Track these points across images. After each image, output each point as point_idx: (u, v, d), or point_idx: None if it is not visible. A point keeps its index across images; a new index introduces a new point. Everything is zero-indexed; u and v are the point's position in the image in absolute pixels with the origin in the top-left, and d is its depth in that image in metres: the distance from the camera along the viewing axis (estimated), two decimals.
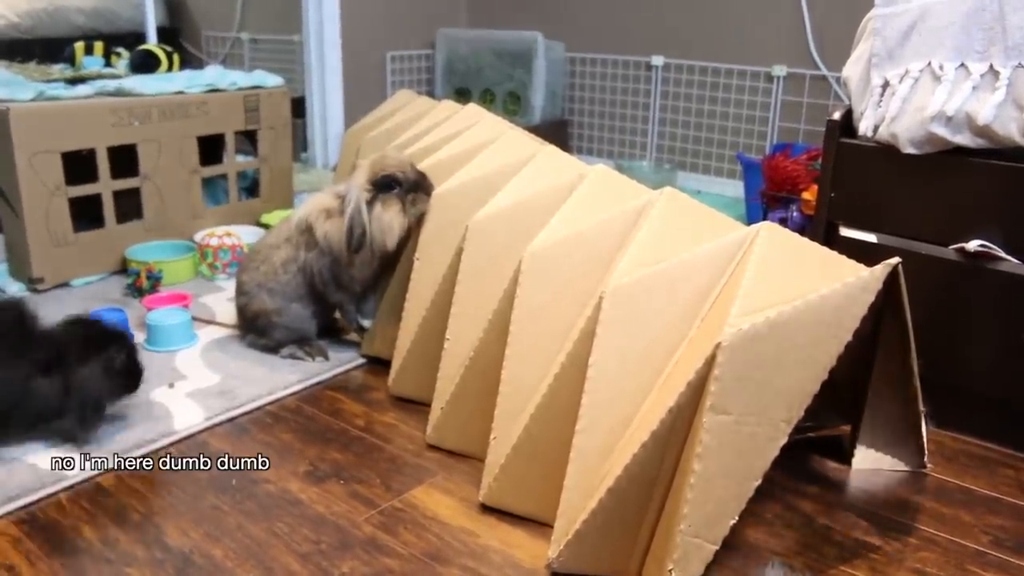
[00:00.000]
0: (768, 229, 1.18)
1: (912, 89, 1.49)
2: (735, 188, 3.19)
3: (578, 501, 1.13)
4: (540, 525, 1.25)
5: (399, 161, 1.61)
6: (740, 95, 3.14)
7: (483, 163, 1.57)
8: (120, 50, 3.26)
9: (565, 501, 1.14)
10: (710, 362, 1.01)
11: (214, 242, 2.27)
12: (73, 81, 2.43)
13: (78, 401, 1.40)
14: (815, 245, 1.22)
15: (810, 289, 1.05)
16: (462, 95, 3.73)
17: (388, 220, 1.59)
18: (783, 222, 2.18)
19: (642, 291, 1.15)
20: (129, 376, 1.48)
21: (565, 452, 1.16)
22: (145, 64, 2.85)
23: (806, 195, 2.16)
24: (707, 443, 1.01)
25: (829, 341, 1.04)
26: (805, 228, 2.12)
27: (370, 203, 1.60)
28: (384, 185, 1.59)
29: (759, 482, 1.04)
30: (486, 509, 1.29)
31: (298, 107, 3.50)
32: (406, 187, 1.58)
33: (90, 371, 1.40)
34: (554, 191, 1.39)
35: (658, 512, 1.10)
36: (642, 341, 1.14)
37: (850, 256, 1.20)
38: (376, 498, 1.31)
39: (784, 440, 1.03)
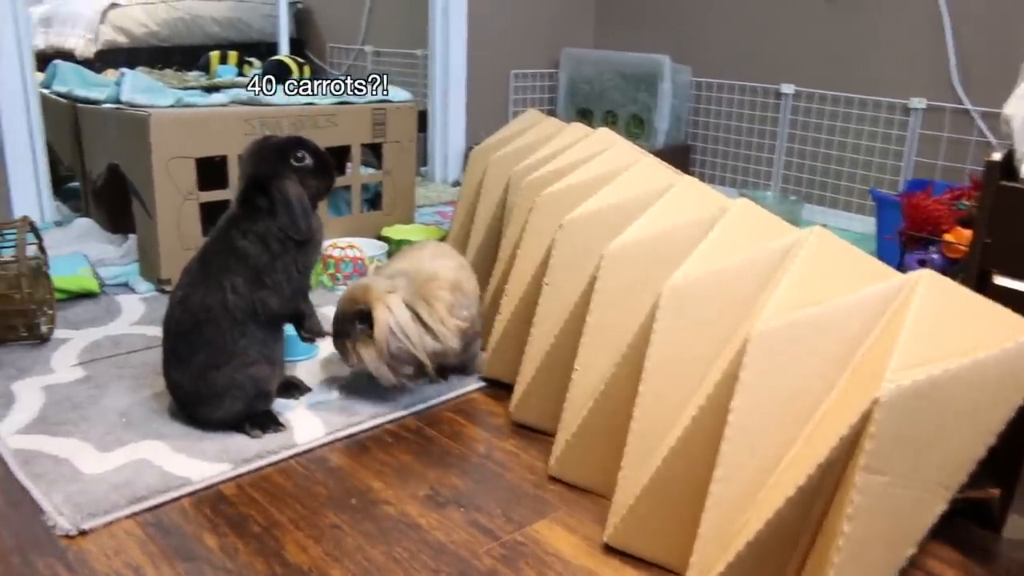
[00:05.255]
0: (929, 277, 1.11)
1: None
2: (863, 224, 3.07)
3: (713, 552, 1.08)
4: (667, 572, 1.20)
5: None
6: (874, 127, 3.03)
7: (617, 190, 1.54)
8: (253, 60, 3.35)
9: (698, 551, 1.09)
10: (866, 418, 0.95)
11: (336, 253, 2.29)
12: (209, 89, 2.50)
13: (282, 206, 1.45)
14: (979, 296, 1.15)
15: (976, 345, 0.99)
16: (584, 116, 3.71)
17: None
18: (922, 263, 2.08)
19: (789, 337, 1.09)
20: (320, 170, 1.53)
21: (699, 498, 1.12)
22: (277, 74, 2.92)
23: (948, 237, 2.06)
24: (859, 504, 0.95)
25: (998, 405, 0.97)
26: (946, 271, 2.01)
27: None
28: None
29: (914, 550, 0.97)
30: (610, 550, 1.24)
31: (419, 121, 3.54)
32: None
33: (287, 180, 1.47)
34: (694, 224, 1.34)
35: (798, 571, 1.04)
36: (787, 389, 1.09)
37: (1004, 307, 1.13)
38: (497, 529, 1.29)
39: (943, 507, 0.97)
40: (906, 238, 2.17)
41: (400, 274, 1.61)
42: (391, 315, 1.53)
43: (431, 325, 1.56)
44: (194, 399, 1.49)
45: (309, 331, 1.55)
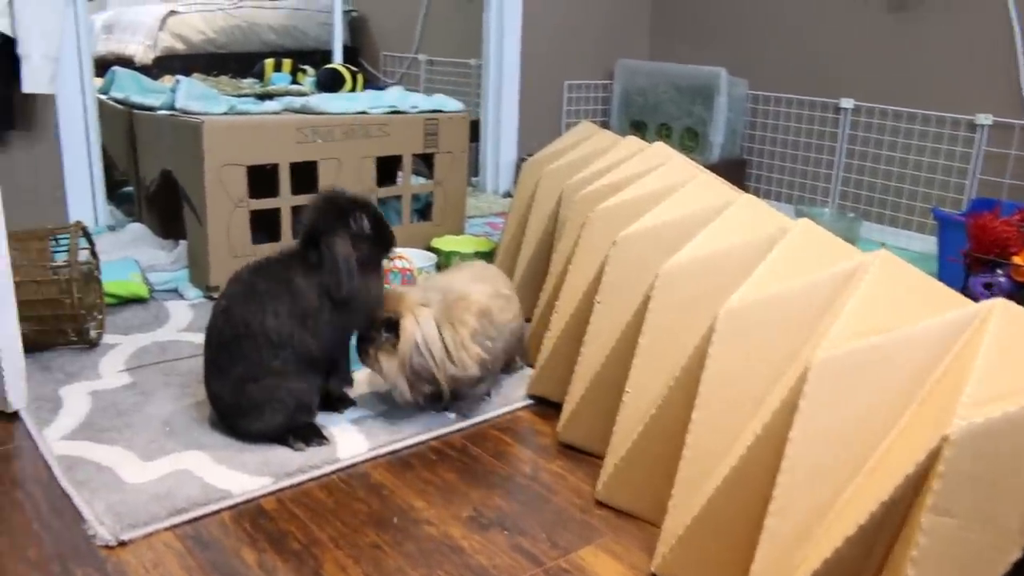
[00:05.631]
0: (1003, 307, 1.06)
1: None
2: (923, 243, 2.99)
3: None
4: None
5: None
6: (937, 144, 2.95)
7: (673, 207, 1.49)
8: (307, 68, 3.35)
9: None
10: (934, 456, 0.90)
11: (385, 263, 2.27)
12: (263, 97, 2.50)
13: (328, 262, 1.45)
14: None
15: None
16: (638, 128, 3.67)
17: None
18: (988, 287, 2.01)
19: (853, 366, 1.04)
20: (376, 238, 1.52)
21: (752, 531, 1.07)
22: (330, 82, 2.92)
23: (1017, 260, 1.98)
24: (924, 547, 0.90)
25: None
26: (1013, 295, 1.94)
27: None
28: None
29: None
30: None
31: (471, 131, 3.53)
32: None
33: (338, 237, 1.46)
34: (753, 244, 1.30)
35: None
36: (849, 420, 1.04)
37: None
38: (541, 555, 1.25)
39: (1018, 555, 0.91)
40: (971, 260, 2.10)
41: (434, 290, 1.58)
42: (419, 329, 1.50)
43: (450, 349, 1.52)
44: (234, 411, 1.48)
45: (336, 384, 1.57)
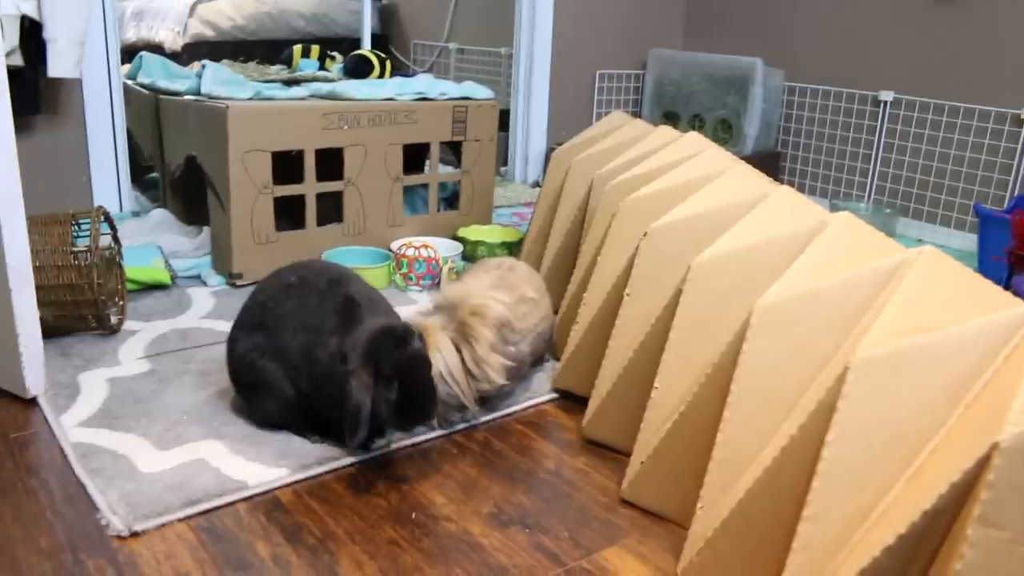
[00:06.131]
0: None
1: None
2: (963, 240, 2.91)
3: None
4: None
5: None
6: (980, 138, 2.86)
7: (706, 198, 1.44)
8: (335, 54, 3.33)
9: None
10: (983, 464, 0.85)
11: (411, 253, 2.24)
12: (289, 83, 2.47)
13: (346, 410, 1.29)
14: None
15: None
16: (670, 119, 3.61)
17: None
18: None
19: (895, 366, 0.99)
20: (403, 404, 1.32)
21: (784, 537, 1.03)
22: (358, 68, 2.89)
23: None
24: (970, 560, 0.85)
25: None
26: None
27: None
28: None
29: None
30: None
31: (501, 120, 3.49)
32: None
33: (358, 380, 1.29)
34: (791, 238, 1.24)
35: None
36: (891, 423, 0.98)
37: None
38: (563, 554, 1.21)
39: None
40: (1015, 258, 2.03)
41: (450, 302, 1.52)
42: (441, 359, 1.45)
43: (470, 367, 1.48)
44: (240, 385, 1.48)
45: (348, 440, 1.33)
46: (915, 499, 0.90)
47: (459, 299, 1.52)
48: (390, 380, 1.29)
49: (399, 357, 1.30)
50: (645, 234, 1.41)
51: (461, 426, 1.54)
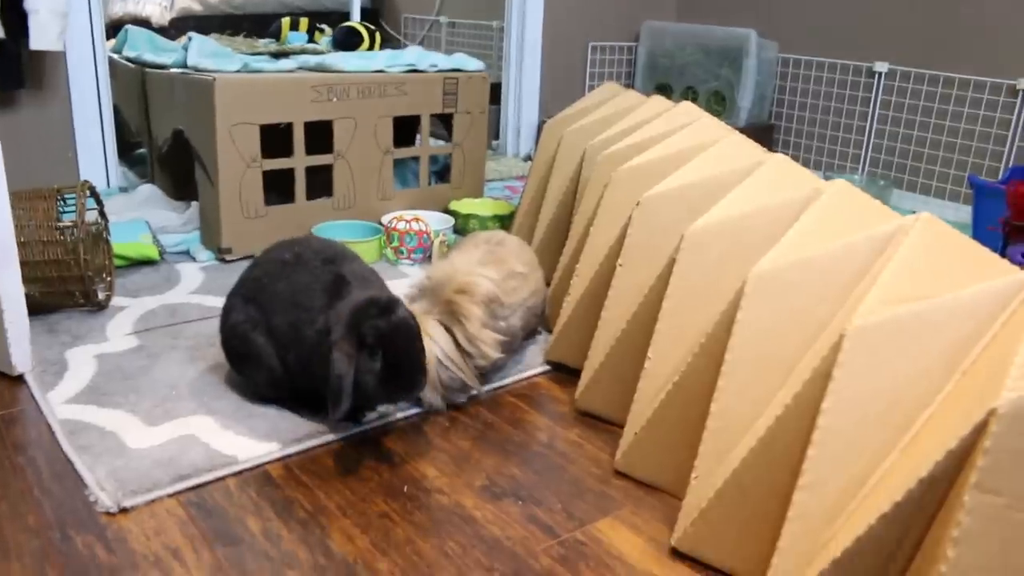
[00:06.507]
0: None
1: None
2: (957, 212, 2.90)
3: (793, 567, 0.97)
4: None
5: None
6: (975, 109, 2.84)
7: (699, 167, 1.43)
8: (324, 27, 3.29)
9: (777, 565, 0.99)
10: (980, 430, 0.84)
11: (401, 226, 2.22)
12: (277, 55, 2.44)
13: (329, 382, 1.25)
14: None
15: None
16: (663, 91, 3.58)
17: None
18: None
19: (891, 333, 0.98)
20: (388, 374, 1.28)
21: (779, 506, 1.02)
22: (347, 41, 2.85)
23: None
24: (967, 527, 0.84)
25: None
26: None
27: None
28: None
29: None
30: (677, 555, 1.15)
31: (492, 93, 3.46)
32: None
33: (341, 351, 1.25)
34: (785, 205, 1.23)
35: None
36: (886, 391, 0.97)
37: None
38: (556, 526, 1.20)
39: None
40: (1010, 229, 2.02)
41: (437, 281, 1.50)
42: (435, 344, 1.43)
43: (466, 348, 1.46)
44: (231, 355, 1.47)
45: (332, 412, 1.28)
46: (911, 467, 0.89)
47: (444, 278, 1.50)
48: (374, 350, 1.26)
49: (382, 325, 1.25)
50: (638, 203, 1.39)
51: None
